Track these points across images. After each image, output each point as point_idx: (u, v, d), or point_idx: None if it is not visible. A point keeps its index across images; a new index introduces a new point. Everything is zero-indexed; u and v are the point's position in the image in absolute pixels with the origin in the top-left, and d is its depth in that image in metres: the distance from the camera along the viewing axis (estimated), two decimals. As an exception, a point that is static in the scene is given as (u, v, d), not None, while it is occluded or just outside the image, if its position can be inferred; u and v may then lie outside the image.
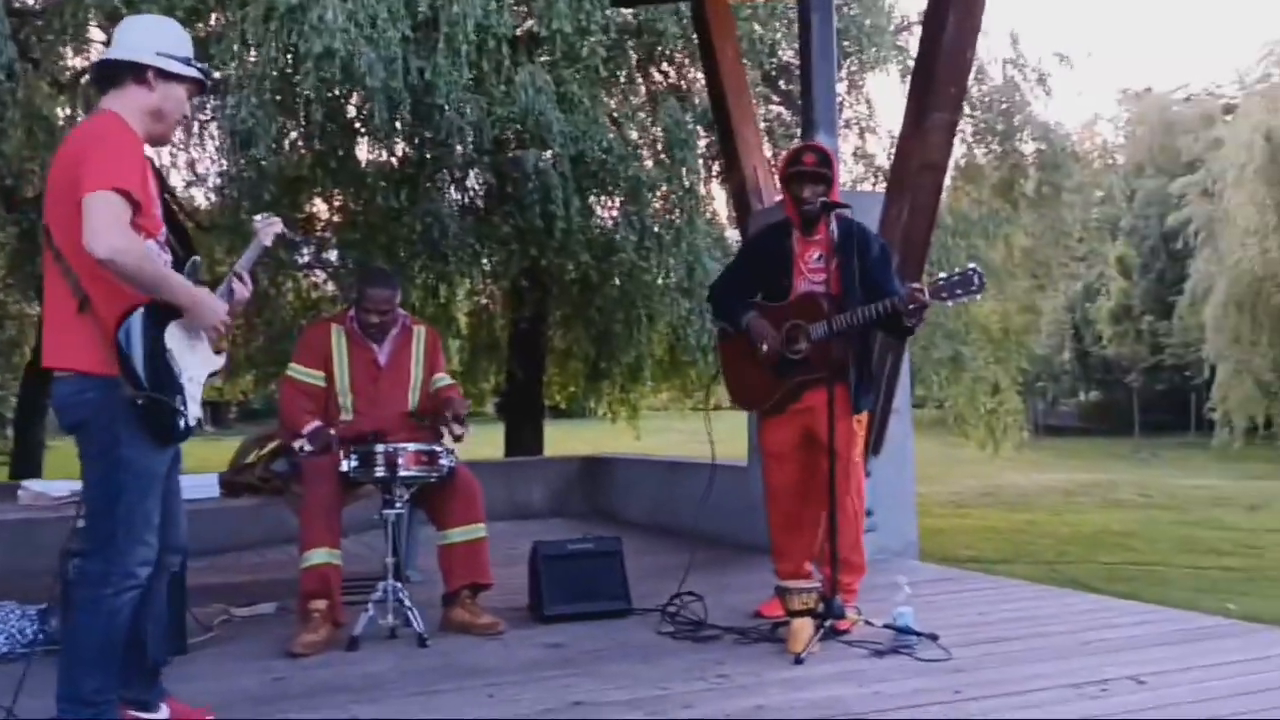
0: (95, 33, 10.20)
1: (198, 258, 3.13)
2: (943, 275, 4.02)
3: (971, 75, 11.56)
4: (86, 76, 11.15)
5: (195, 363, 2.98)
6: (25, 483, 5.29)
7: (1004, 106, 13.38)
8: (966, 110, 12.78)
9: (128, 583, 2.83)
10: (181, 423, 2.87)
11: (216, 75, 3.22)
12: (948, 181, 11.50)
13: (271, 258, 8.86)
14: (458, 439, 4.53)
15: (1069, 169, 13.98)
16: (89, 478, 2.87)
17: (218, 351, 3.15)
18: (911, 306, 4.00)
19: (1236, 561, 10.52)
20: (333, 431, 4.47)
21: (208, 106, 10.20)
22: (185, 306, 2.87)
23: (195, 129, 10.56)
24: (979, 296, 4.00)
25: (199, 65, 3.04)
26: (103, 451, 2.82)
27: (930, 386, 13.26)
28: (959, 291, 3.96)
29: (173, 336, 2.88)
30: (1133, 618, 4.47)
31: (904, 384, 6.08)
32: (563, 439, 14.99)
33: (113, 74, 2.95)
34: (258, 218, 3.53)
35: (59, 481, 5.10)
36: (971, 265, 4.06)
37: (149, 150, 3.09)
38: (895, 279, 4.30)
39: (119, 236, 2.66)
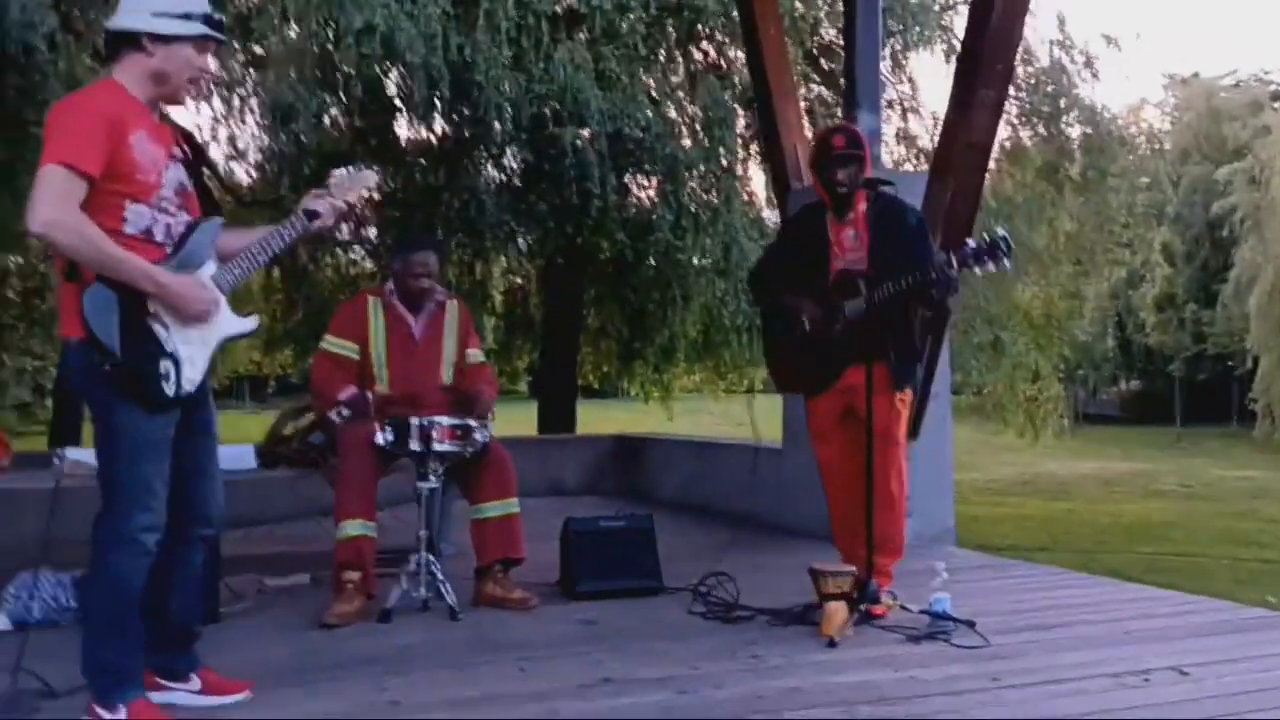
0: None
1: (216, 220, 2.99)
2: (970, 243, 3.92)
3: (1018, 56, 11.39)
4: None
5: (200, 326, 2.88)
6: (63, 450, 5.33)
7: (1050, 89, 13.15)
8: (1012, 92, 12.56)
9: (130, 549, 2.77)
10: (165, 388, 2.77)
11: (221, 17, 2.96)
12: (992, 164, 11.36)
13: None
14: (486, 430, 4.46)
15: (1114, 153, 13.73)
16: (96, 444, 2.84)
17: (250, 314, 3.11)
18: (935, 276, 3.92)
19: (1276, 554, 10.34)
20: (370, 396, 4.46)
21: (248, 80, 10.23)
22: (148, 292, 2.74)
23: (235, 103, 10.58)
24: (1008, 264, 3.87)
25: (203, 15, 2.84)
26: (98, 418, 2.79)
27: (969, 372, 13.10)
28: (986, 259, 3.85)
29: (160, 301, 2.78)
30: (1174, 607, 4.39)
31: (943, 368, 6.00)
32: (595, 419, 14.97)
33: (114, 45, 2.85)
34: (338, 171, 3.26)
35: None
36: (1000, 232, 3.93)
37: (186, 117, 3.07)
38: (933, 250, 4.21)
39: (52, 210, 2.60)
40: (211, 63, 2.96)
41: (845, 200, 4.19)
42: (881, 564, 4.21)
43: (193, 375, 2.86)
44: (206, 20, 2.84)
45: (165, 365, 2.77)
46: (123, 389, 2.72)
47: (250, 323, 3.09)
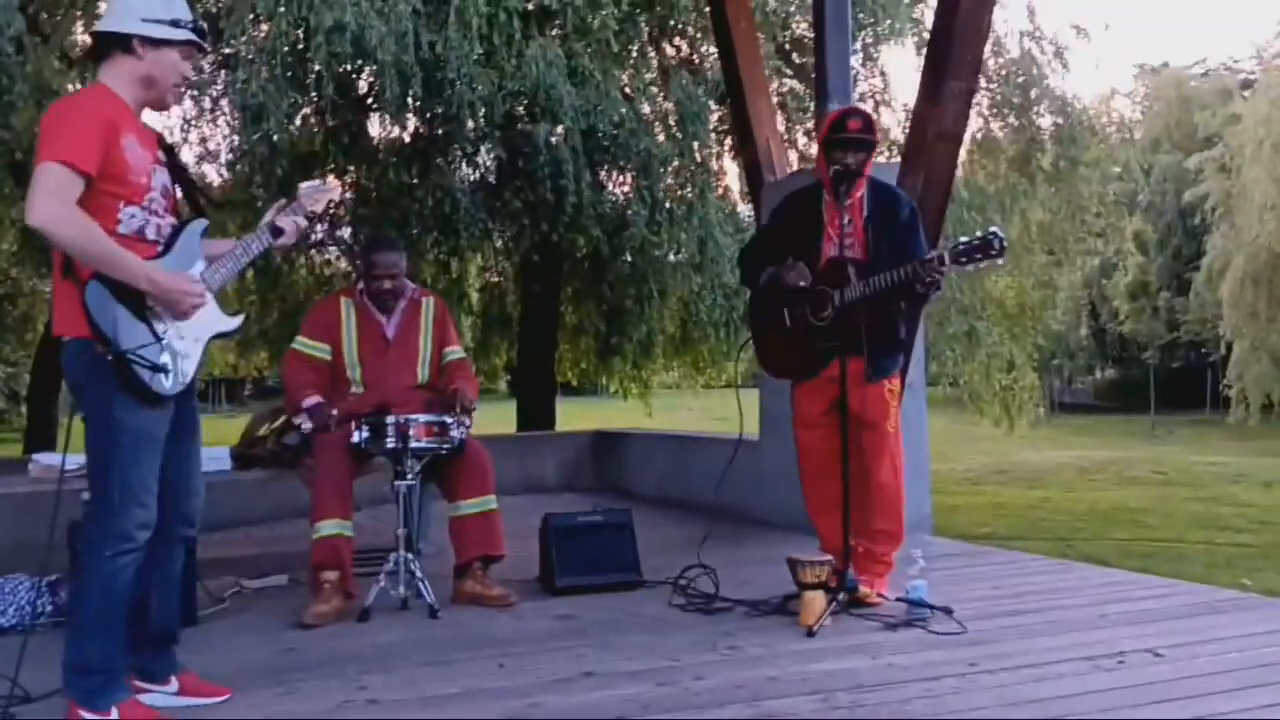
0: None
1: (203, 221, 3.08)
2: (963, 239, 3.91)
3: (988, 48, 11.47)
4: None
5: (191, 322, 2.95)
6: (36, 456, 5.30)
7: (1020, 80, 13.22)
8: (983, 83, 12.64)
9: (124, 545, 2.80)
10: (162, 379, 2.83)
11: (202, 24, 3.12)
12: (964, 155, 11.41)
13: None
14: (465, 427, 4.47)
15: (1086, 143, 13.82)
16: (87, 441, 2.84)
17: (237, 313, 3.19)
18: (925, 275, 3.91)
19: (1251, 538, 10.43)
20: (334, 412, 4.42)
21: (219, 81, 10.16)
22: (143, 288, 2.80)
23: (206, 104, 10.51)
24: (1000, 261, 3.88)
25: (190, 24, 2.94)
26: (95, 414, 2.82)
27: (945, 363, 13.17)
28: (979, 256, 3.84)
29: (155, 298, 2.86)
30: (1149, 591, 4.43)
31: (919, 358, 6.03)
32: (575, 416, 14.95)
33: (103, 47, 2.92)
34: (304, 184, 3.46)
35: (70, 455, 5.10)
36: (992, 229, 3.92)
37: (155, 118, 3.10)
38: (923, 241, 4.21)
39: (53, 205, 2.66)
40: (190, 69, 3.05)
41: (848, 183, 4.15)
42: (882, 553, 4.24)
43: (187, 369, 2.93)
44: (194, 28, 2.95)
45: (165, 358, 2.84)
46: (125, 381, 2.76)
47: (236, 320, 3.17)
